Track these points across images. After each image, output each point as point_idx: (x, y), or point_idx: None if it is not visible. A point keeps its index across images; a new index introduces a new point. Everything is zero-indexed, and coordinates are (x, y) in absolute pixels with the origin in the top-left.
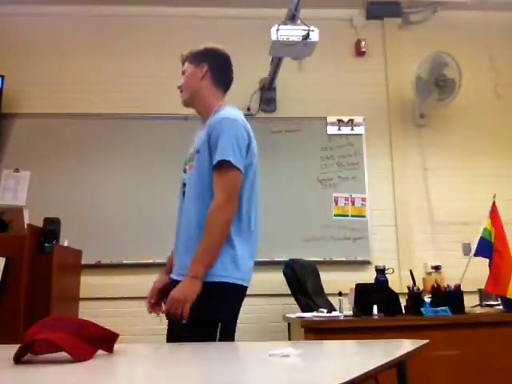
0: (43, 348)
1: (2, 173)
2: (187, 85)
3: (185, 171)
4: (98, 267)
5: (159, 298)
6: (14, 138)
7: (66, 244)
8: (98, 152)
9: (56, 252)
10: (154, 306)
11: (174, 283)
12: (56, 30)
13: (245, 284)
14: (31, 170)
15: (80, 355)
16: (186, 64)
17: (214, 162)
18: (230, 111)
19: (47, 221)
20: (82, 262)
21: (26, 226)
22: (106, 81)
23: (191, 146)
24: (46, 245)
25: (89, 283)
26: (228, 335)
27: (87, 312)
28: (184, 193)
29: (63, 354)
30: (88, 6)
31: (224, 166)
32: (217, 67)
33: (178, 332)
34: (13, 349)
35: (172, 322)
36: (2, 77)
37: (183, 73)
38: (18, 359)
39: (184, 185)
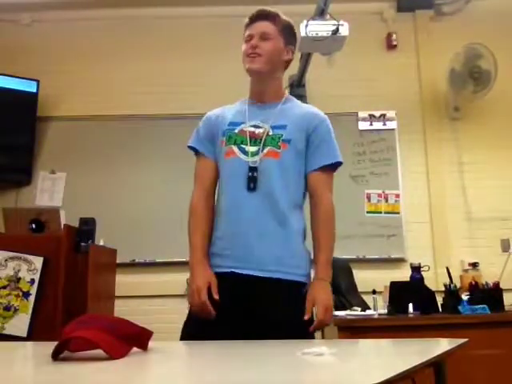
0: (80, 345)
1: (38, 175)
2: (271, 56)
3: (245, 153)
4: (133, 266)
5: None
6: (50, 141)
7: (101, 243)
8: (131, 153)
9: (91, 251)
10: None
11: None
12: (87, 34)
13: None
14: (67, 172)
15: (115, 353)
16: (274, 28)
17: (329, 162)
18: (314, 107)
19: (83, 221)
20: (117, 261)
21: (62, 226)
22: (137, 82)
23: (244, 124)
24: (81, 244)
25: (124, 281)
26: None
27: (122, 310)
28: (252, 178)
29: (99, 352)
30: (120, 9)
31: (334, 168)
32: (293, 55)
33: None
34: (51, 346)
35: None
36: (38, 81)
37: (265, 35)
38: (56, 356)
39: (251, 169)
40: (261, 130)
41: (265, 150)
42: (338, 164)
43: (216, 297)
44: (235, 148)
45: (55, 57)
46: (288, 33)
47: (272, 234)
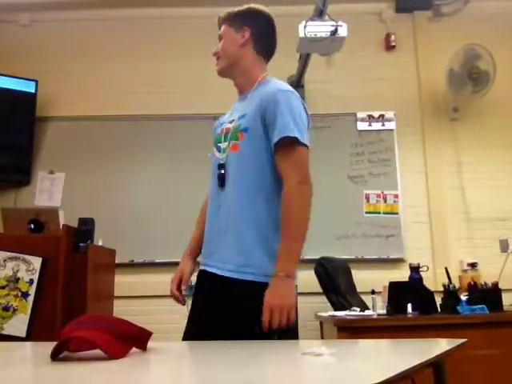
0: (79, 345)
1: (37, 175)
2: (226, 52)
3: (219, 150)
4: (132, 266)
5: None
6: (49, 141)
7: (100, 244)
8: (130, 153)
9: (90, 251)
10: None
11: (211, 277)
12: (86, 34)
13: None
14: (65, 172)
15: (114, 353)
16: (224, 27)
17: (276, 140)
18: (280, 83)
19: (82, 221)
20: (116, 261)
21: (61, 226)
22: (136, 83)
23: (223, 120)
24: (80, 245)
25: (122, 282)
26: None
27: (121, 310)
28: (221, 176)
29: (98, 352)
30: (118, 10)
31: (290, 144)
32: (261, 32)
33: (222, 332)
34: (50, 346)
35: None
36: (36, 81)
37: (220, 37)
38: (55, 356)
39: (220, 166)
40: (231, 124)
41: (230, 145)
42: (290, 139)
43: (182, 287)
44: (214, 148)
45: (54, 57)
46: (236, 19)
47: (228, 231)
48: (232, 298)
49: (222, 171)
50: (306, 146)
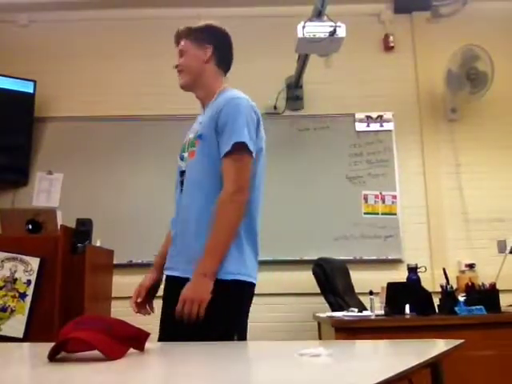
0: (76, 346)
1: (35, 175)
2: (189, 67)
3: (182, 158)
4: (130, 266)
5: (147, 297)
6: (47, 141)
7: (98, 244)
8: (129, 153)
9: (88, 252)
10: (140, 306)
11: (171, 281)
12: (85, 35)
13: (254, 281)
14: (64, 172)
15: (112, 353)
16: (185, 42)
17: (226, 146)
18: (235, 92)
19: (79, 222)
20: (114, 262)
21: (59, 227)
22: (134, 83)
23: (190, 132)
24: (78, 245)
25: (121, 282)
26: (242, 336)
27: (119, 311)
28: (182, 182)
29: (96, 353)
30: (117, 10)
31: (237, 149)
32: (221, 48)
33: (186, 333)
34: (47, 347)
35: (172, 322)
36: (35, 82)
37: (181, 52)
38: (53, 357)
39: (182, 173)
40: (191, 134)
41: (189, 152)
42: (238, 145)
43: (138, 300)
44: (178, 158)
45: (52, 57)
46: (197, 35)
47: (184, 234)
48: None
49: (182, 178)
50: (251, 153)
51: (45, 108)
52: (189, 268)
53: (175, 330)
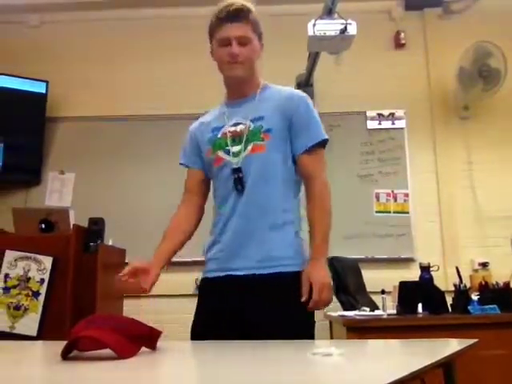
0: (89, 345)
1: (48, 175)
2: (252, 61)
3: (229, 154)
4: None
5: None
6: (59, 141)
7: (110, 243)
8: (140, 153)
9: (101, 251)
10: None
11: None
12: (96, 35)
13: None
14: (76, 172)
15: (124, 352)
16: (250, 31)
17: (312, 143)
18: (292, 88)
19: (92, 221)
20: (126, 261)
21: (71, 226)
22: (147, 83)
23: (225, 125)
24: (91, 244)
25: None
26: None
27: (131, 310)
28: (238, 179)
29: (108, 351)
30: (129, 10)
31: (319, 147)
32: None
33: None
34: (60, 345)
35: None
36: (47, 82)
37: (245, 40)
38: (65, 355)
39: (236, 170)
40: (242, 127)
41: (249, 147)
42: (324, 141)
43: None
44: (221, 153)
45: (64, 58)
46: (258, 28)
47: (257, 233)
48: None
49: (240, 175)
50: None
51: (57, 108)
52: (296, 262)
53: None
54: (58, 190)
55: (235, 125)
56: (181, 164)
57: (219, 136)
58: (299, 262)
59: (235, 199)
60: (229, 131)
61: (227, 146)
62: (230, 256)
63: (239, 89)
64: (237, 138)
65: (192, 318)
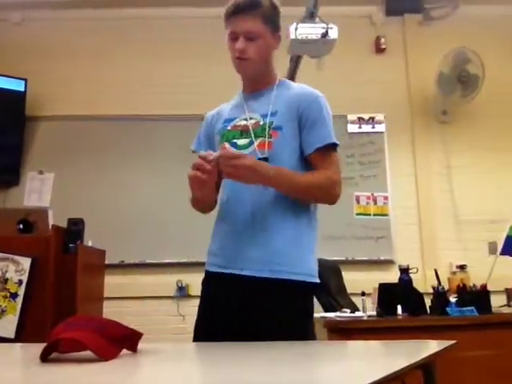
0: (69, 347)
1: (27, 175)
2: (262, 57)
3: (234, 146)
4: (122, 267)
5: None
6: (38, 141)
7: (89, 244)
8: (120, 153)
9: (80, 252)
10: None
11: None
12: (78, 34)
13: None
14: (55, 172)
15: (105, 354)
16: (259, 23)
17: (321, 144)
18: (308, 87)
19: (71, 221)
20: (106, 262)
21: (50, 227)
22: (126, 82)
23: (237, 118)
24: (70, 245)
25: (112, 283)
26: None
27: (111, 311)
28: None
29: (88, 353)
30: (110, 10)
31: (331, 149)
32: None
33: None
34: (39, 347)
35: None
36: (26, 80)
37: (252, 34)
38: (45, 357)
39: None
40: (252, 122)
41: (256, 142)
42: (334, 145)
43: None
44: (227, 145)
45: (44, 56)
46: (273, 19)
47: (258, 231)
48: (267, 299)
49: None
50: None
51: (36, 107)
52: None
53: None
54: (37, 190)
55: (247, 119)
56: (193, 152)
57: (229, 128)
58: (305, 272)
59: (241, 191)
60: (239, 124)
61: (234, 138)
62: (236, 254)
63: (253, 83)
64: (245, 132)
65: (173, 320)
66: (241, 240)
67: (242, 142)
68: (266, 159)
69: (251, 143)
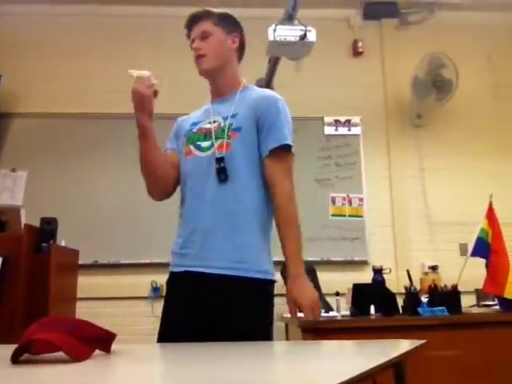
0: (41, 348)
1: None
2: (216, 52)
3: (199, 148)
4: (95, 267)
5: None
6: (11, 138)
7: (63, 244)
8: (95, 152)
9: (53, 252)
10: None
11: (204, 278)
12: (53, 30)
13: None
14: (28, 170)
15: (77, 355)
16: (209, 24)
17: (274, 146)
18: (271, 91)
19: (44, 221)
20: (79, 262)
21: (22, 225)
22: (102, 80)
23: (202, 122)
24: (42, 245)
25: (86, 283)
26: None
27: (84, 312)
28: (221, 170)
29: (61, 354)
30: (84, 6)
31: (284, 151)
32: (243, 42)
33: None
34: (10, 349)
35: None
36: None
37: (204, 34)
38: (16, 359)
39: (216, 162)
40: (215, 124)
41: (216, 144)
42: (288, 146)
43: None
44: (192, 147)
45: (17, 52)
46: (226, 22)
47: (220, 229)
48: (231, 297)
49: (222, 165)
50: (293, 155)
51: (9, 104)
52: (242, 266)
53: (216, 328)
54: (10, 189)
55: (211, 122)
56: (165, 151)
57: (194, 131)
58: (268, 270)
59: (207, 191)
60: (203, 127)
61: (199, 140)
62: (199, 253)
63: (215, 85)
64: (208, 135)
65: (147, 321)
66: (203, 239)
67: (205, 144)
68: (221, 159)
69: (212, 145)
